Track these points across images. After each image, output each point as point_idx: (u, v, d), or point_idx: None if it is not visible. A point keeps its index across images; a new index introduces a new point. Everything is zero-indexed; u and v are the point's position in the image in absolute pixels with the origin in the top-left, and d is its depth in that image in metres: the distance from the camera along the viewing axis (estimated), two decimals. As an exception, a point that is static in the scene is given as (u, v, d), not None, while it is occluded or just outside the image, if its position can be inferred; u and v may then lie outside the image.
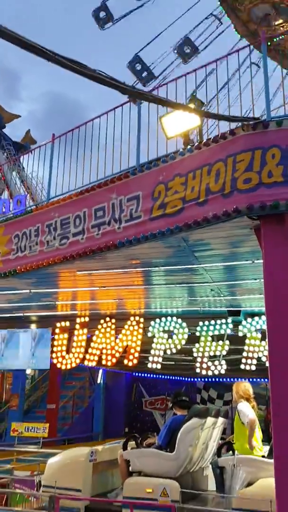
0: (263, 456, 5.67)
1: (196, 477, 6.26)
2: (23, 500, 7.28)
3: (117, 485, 6.20)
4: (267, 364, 7.47)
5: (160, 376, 17.01)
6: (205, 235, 4.73)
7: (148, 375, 17.09)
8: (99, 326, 8.49)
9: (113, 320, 8.50)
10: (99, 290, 7.02)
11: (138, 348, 8.22)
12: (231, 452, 5.68)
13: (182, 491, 5.01)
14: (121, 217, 4.97)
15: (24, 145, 20.22)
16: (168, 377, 16.78)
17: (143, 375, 17.02)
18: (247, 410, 5.81)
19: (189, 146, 4.80)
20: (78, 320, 8.69)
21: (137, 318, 8.35)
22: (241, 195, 4.22)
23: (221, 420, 6.73)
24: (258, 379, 14.57)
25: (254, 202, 4.13)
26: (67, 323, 8.82)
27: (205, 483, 6.32)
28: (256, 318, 7.63)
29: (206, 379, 16.98)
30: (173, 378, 16.65)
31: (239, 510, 4.53)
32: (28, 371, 14.07)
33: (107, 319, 8.49)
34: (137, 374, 16.99)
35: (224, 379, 15.74)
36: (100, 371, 15.93)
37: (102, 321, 8.51)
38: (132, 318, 8.37)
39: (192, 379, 17.04)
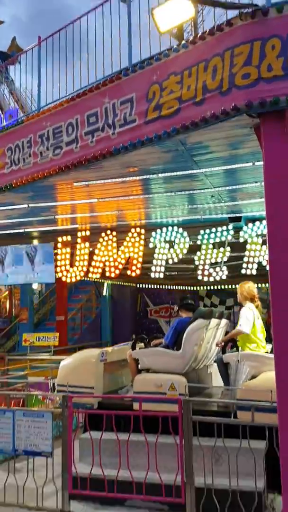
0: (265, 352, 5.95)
1: (201, 374, 6.63)
2: (38, 402, 7.78)
3: (127, 383, 6.57)
4: (267, 267, 7.61)
5: (164, 287, 17.45)
6: (203, 137, 4.56)
7: (152, 286, 17.54)
8: (101, 239, 8.53)
9: (114, 233, 8.52)
10: (98, 202, 6.94)
11: (140, 259, 8.32)
12: (235, 349, 5.95)
13: (189, 385, 5.30)
14: (115, 122, 4.76)
15: (11, 54, 19.07)
16: (171, 287, 17.21)
17: (147, 286, 17.47)
18: (243, 318, 5.98)
19: (183, 42, 4.48)
20: (79, 234, 8.72)
21: (138, 229, 8.36)
22: (240, 92, 4.00)
23: (224, 321, 7.00)
24: (259, 284, 15.01)
25: (254, 98, 3.92)
26: (69, 238, 8.87)
27: (209, 379, 6.71)
28: (257, 223, 7.62)
29: (209, 287, 17.46)
30: (176, 288, 17.09)
31: (243, 400, 4.80)
32: (35, 286, 14.40)
33: (108, 232, 8.51)
34: (141, 285, 17.43)
35: (226, 286, 16.19)
36: (105, 284, 16.34)
37: (103, 234, 8.54)
38: (133, 230, 8.38)
39: (195, 288, 17.51)
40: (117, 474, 4.53)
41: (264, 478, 4.37)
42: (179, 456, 4.30)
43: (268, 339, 6.30)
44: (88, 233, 8.67)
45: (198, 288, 17.67)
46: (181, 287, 17.16)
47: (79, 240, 8.72)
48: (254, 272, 7.81)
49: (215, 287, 17.11)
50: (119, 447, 4.65)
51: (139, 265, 8.27)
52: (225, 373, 5.69)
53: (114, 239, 8.48)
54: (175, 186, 6.24)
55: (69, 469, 4.61)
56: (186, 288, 17.24)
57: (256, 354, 5.81)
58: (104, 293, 16.29)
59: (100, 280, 15.44)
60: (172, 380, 5.56)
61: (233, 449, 4.26)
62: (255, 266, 7.83)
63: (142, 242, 8.30)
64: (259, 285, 15.08)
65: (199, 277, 7.97)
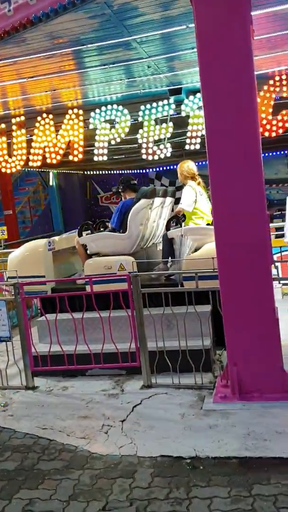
0: (208, 224, 6.11)
1: (150, 252, 6.81)
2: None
3: (80, 270, 6.70)
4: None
5: (112, 172, 17.15)
6: (130, -4, 4.16)
7: (100, 172, 17.20)
8: (37, 125, 8.07)
9: (51, 116, 8.05)
10: (28, 81, 6.43)
11: (81, 143, 8.00)
12: (179, 225, 6.06)
13: (137, 262, 5.45)
14: (31, -17, 4.23)
15: None
16: (120, 172, 16.94)
17: (95, 172, 17.10)
18: (185, 197, 6.02)
19: None
20: (13, 120, 8.20)
21: (75, 110, 7.92)
22: None
23: (169, 199, 7.03)
24: (205, 162, 14.99)
25: None
26: (3, 125, 8.34)
27: (158, 257, 6.91)
28: (198, 95, 7.34)
29: (157, 169, 17.31)
30: (125, 172, 16.85)
31: (188, 271, 5.01)
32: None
33: (44, 115, 8.02)
34: (88, 172, 17.04)
35: (174, 166, 16.06)
36: (51, 174, 15.87)
37: (39, 118, 8.05)
38: (70, 112, 7.93)
39: (144, 171, 17.33)
40: (75, 348, 4.78)
41: (210, 337, 4.73)
42: (132, 326, 4.55)
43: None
44: (23, 118, 8.16)
45: (147, 170, 17.50)
46: (130, 171, 16.94)
47: (14, 127, 8.22)
48: (198, 147, 7.71)
49: (164, 168, 17.01)
50: (75, 325, 4.85)
51: (80, 149, 7.98)
52: (170, 248, 5.84)
53: (52, 122, 8.04)
54: (108, 57, 5.80)
55: (29, 349, 4.82)
56: (135, 171, 17.04)
57: (198, 227, 5.96)
58: (51, 183, 15.87)
59: (44, 170, 14.96)
60: (121, 260, 5.69)
61: (181, 314, 4.53)
62: (199, 140, 7.71)
63: (81, 124, 7.92)
64: (204, 162, 15.16)
65: (144, 156, 7.82)
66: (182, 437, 3.56)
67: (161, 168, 17.17)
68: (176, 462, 3.26)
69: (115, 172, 17.05)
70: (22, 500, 3.04)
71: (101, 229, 6.66)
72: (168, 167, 16.81)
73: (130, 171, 16.83)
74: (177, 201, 7.03)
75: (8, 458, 3.58)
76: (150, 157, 7.82)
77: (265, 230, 3.86)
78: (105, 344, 4.76)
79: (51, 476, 3.27)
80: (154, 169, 17.32)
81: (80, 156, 8.01)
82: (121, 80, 6.82)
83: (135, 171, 17.06)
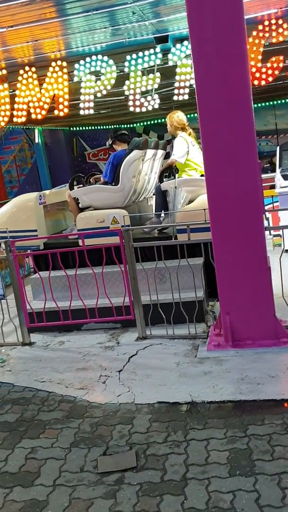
0: (202, 176, 6.04)
1: (142, 206, 6.76)
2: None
3: (70, 225, 6.64)
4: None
5: (98, 127, 16.79)
6: None
7: (87, 128, 16.83)
8: (20, 78, 7.81)
9: (34, 69, 7.79)
10: (8, 31, 6.16)
11: (67, 96, 7.79)
12: (172, 177, 5.98)
13: (130, 216, 5.41)
14: None
15: None
16: (107, 127, 16.60)
17: (81, 128, 16.73)
18: (176, 148, 5.88)
19: None
20: (-5, 74, 7.93)
21: (59, 62, 7.66)
22: None
23: (160, 152, 6.91)
24: (194, 114, 14.70)
25: None
26: (-16, 80, 8.06)
27: (150, 211, 6.87)
28: (185, 43, 7.11)
29: (145, 123, 16.97)
30: (112, 127, 16.50)
31: (181, 223, 4.99)
32: None
33: (27, 68, 7.76)
34: (75, 128, 16.67)
35: (162, 119, 15.76)
36: (36, 131, 15.48)
37: (21, 71, 7.79)
38: (54, 64, 7.67)
39: (131, 125, 16.99)
40: (70, 304, 4.81)
41: (203, 288, 4.78)
42: (125, 281, 4.58)
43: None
44: (4, 71, 7.87)
45: (134, 125, 17.15)
46: (117, 125, 16.59)
47: (-4, 82, 7.96)
48: (186, 97, 7.54)
49: (152, 122, 16.68)
50: (69, 281, 4.87)
51: (66, 103, 7.78)
52: (163, 201, 5.78)
53: (35, 76, 7.79)
54: (91, 3, 5.56)
55: (24, 306, 4.85)
56: (123, 126, 16.69)
57: (192, 178, 5.88)
58: (36, 141, 15.51)
59: (29, 127, 14.60)
60: (113, 214, 5.64)
61: (173, 268, 4.55)
62: (187, 91, 7.53)
63: (65, 76, 7.68)
64: (196, 114, 14.88)
65: (131, 109, 7.64)
66: (178, 383, 3.65)
67: (148, 122, 16.85)
68: (173, 407, 3.36)
69: (102, 127, 16.70)
70: (25, 449, 3.13)
71: (91, 181, 6.56)
72: (155, 121, 16.50)
73: (117, 126, 16.49)
74: (167, 155, 6.93)
75: (9, 411, 3.66)
76: (137, 109, 7.66)
77: (257, 179, 3.84)
78: (99, 299, 4.80)
79: (51, 426, 3.37)
80: (142, 123, 16.99)
81: (66, 110, 7.81)
82: (105, 28, 6.57)
83: (123, 126, 16.72)
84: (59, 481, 2.78)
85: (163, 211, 5.81)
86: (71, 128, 16.48)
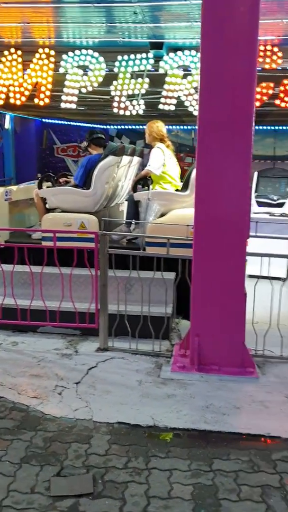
0: (177, 190, 5.93)
1: (113, 212, 6.56)
2: None
3: (35, 223, 6.35)
4: (186, 103, 7.18)
5: (72, 123, 16.44)
6: None
7: (60, 122, 16.45)
8: (3, 59, 7.41)
9: (19, 52, 7.41)
10: None
11: (50, 86, 7.47)
12: (146, 187, 5.84)
13: (101, 221, 5.22)
14: None
15: None
16: (80, 124, 16.29)
17: (54, 121, 16.34)
18: (153, 159, 5.75)
19: None
20: (-23, 50, 7.50)
21: (46, 50, 7.34)
22: None
23: (136, 159, 6.77)
24: (171, 126, 14.67)
25: None
26: None
27: (121, 217, 6.69)
28: (179, 53, 7.00)
29: (118, 126, 16.78)
30: (85, 125, 16.22)
31: (152, 236, 4.87)
32: None
33: (12, 50, 7.37)
34: (47, 120, 16.25)
35: (136, 126, 15.65)
36: (8, 117, 14.93)
37: (6, 52, 7.39)
38: (41, 50, 7.33)
39: (105, 127, 16.75)
40: (30, 303, 4.53)
41: (173, 305, 4.64)
42: (94, 286, 4.36)
43: (182, 177, 6.26)
44: (-12, 50, 7.47)
45: (109, 127, 16.93)
46: (90, 124, 16.31)
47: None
48: (172, 108, 7.42)
49: (126, 127, 16.51)
50: (32, 278, 4.58)
51: (48, 93, 7.45)
52: (134, 211, 5.64)
53: (20, 59, 7.41)
54: None
55: (-20, 300, 4.52)
56: (96, 126, 16.41)
57: (166, 192, 5.78)
58: (6, 126, 14.94)
59: (1, 111, 14.05)
60: (82, 219, 5.44)
61: (145, 279, 4.38)
62: (174, 101, 7.42)
63: (51, 66, 7.36)
64: (175, 126, 14.84)
65: (115, 110, 7.43)
66: (140, 404, 3.47)
67: (123, 127, 16.67)
68: (134, 430, 3.17)
69: (75, 124, 16.36)
70: None
71: (61, 182, 6.30)
72: (130, 126, 16.35)
73: (90, 125, 16.21)
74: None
75: None
76: (121, 112, 7.45)
77: (247, 203, 3.75)
78: (63, 302, 4.54)
79: (1, 435, 3.09)
80: (116, 126, 16.79)
81: (47, 100, 7.49)
82: (101, 23, 6.34)
83: (96, 125, 16.45)
84: (6, 502, 2.51)
85: (134, 221, 5.67)
86: (43, 120, 16.03)
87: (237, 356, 3.91)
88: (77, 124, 16.27)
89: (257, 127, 14.62)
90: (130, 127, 16.42)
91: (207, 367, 3.93)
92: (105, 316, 4.33)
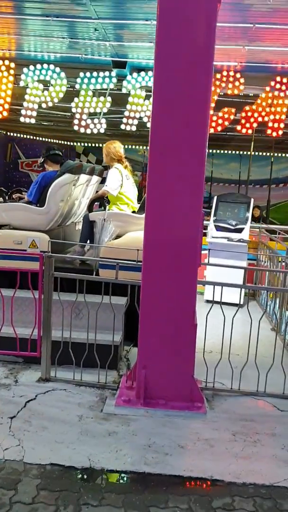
0: (134, 212, 5.76)
1: (68, 231, 6.32)
2: None
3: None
4: (148, 124, 7.13)
5: (38, 138, 16.23)
6: None
7: (25, 136, 16.20)
8: None
9: (-22, 63, 7.21)
10: None
11: (9, 99, 7.27)
12: (102, 208, 5.65)
13: (51, 242, 4.97)
14: None
15: None
16: (47, 140, 16.10)
17: (19, 135, 16.09)
18: (110, 179, 5.59)
19: None
20: None
21: (6, 62, 7.16)
22: None
23: (95, 178, 6.58)
24: (138, 146, 14.63)
25: None
26: None
27: (76, 237, 6.46)
28: (142, 73, 6.96)
29: (86, 144, 16.66)
30: (51, 141, 16.05)
31: (107, 258, 4.66)
32: None
33: (-29, 61, 7.16)
34: (12, 134, 15.98)
35: (103, 144, 15.51)
36: None
37: None
38: (0, 62, 7.15)
39: (72, 143, 16.60)
40: None
41: (121, 332, 4.41)
42: (37, 311, 4.09)
43: (140, 199, 6.10)
44: None
45: (75, 143, 16.79)
46: (57, 140, 16.12)
47: None
48: (134, 128, 7.33)
49: (93, 145, 16.40)
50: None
51: (6, 106, 7.25)
52: (88, 232, 5.43)
53: (-22, 70, 7.21)
54: (52, 8, 5.21)
55: None
56: (63, 143, 16.24)
57: (122, 213, 5.60)
58: None
59: None
60: (33, 237, 5.19)
61: (94, 304, 4.15)
62: (136, 122, 7.33)
63: (11, 78, 7.19)
64: (138, 146, 14.81)
65: (75, 127, 7.27)
66: (78, 443, 3.20)
67: (90, 144, 16.55)
68: (67, 472, 2.90)
69: (41, 139, 16.14)
70: None
71: (14, 198, 6.04)
72: (97, 144, 16.24)
73: (57, 141, 16.02)
74: (103, 180, 6.60)
75: None
76: (82, 130, 7.31)
77: (198, 229, 3.59)
78: (3, 327, 4.24)
79: None
80: (83, 144, 16.66)
81: (5, 113, 7.28)
82: (63, 38, 6.21)
83: (62, 142, 16.26)
84: None
85: (88, 242, 5.45)
86: (8, 133, 15.75)
87: (185, 389, 3.71)
88: (43, 139, 16.07)
89: (221, 152, 14.83)
90: (97, 145, 16.32)
91: (153, 401, 3.70)
92: (48, 344, 4.06)
